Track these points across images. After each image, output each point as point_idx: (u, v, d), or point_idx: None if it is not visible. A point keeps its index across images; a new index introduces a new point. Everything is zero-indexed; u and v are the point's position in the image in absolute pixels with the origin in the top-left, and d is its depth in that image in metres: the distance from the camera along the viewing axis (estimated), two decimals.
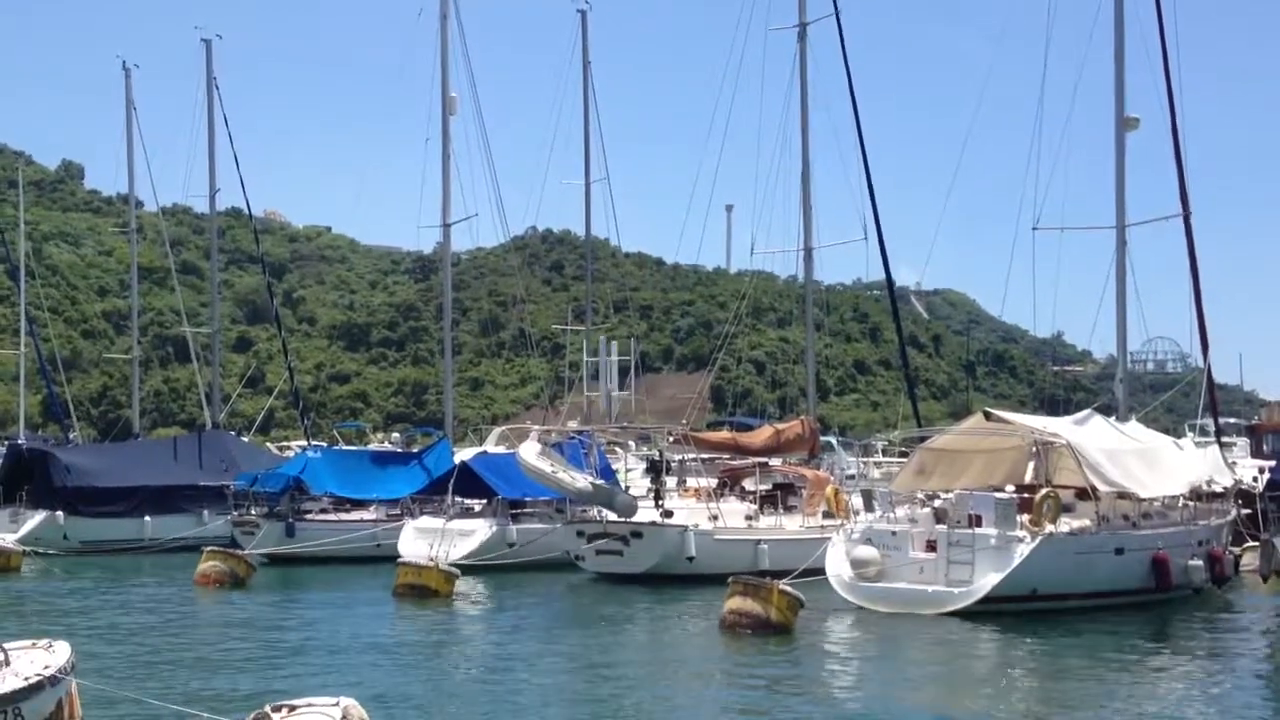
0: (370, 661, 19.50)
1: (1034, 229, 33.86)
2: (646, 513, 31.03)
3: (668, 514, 31.03)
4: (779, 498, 32.92)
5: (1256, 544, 32.11)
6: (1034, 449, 27.60)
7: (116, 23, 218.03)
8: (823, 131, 49.66)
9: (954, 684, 18.64)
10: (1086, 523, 25.18)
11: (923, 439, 30.69)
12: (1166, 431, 42.53)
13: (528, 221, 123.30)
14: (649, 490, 33.02)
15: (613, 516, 30.84)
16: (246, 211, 61.73)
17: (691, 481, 34.34)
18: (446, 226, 45.78)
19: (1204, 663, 20.01)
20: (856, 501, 27.96)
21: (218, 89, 50.65)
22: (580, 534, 31.45)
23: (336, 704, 11.41)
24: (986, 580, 23.51)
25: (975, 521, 24.38)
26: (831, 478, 33.57)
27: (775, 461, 35.70)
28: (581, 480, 30.98)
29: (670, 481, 33.88)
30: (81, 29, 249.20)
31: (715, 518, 31.02)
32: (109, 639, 21.66)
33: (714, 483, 33.77)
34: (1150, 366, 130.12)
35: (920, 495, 26.97)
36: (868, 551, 25.10)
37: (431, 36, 45.43)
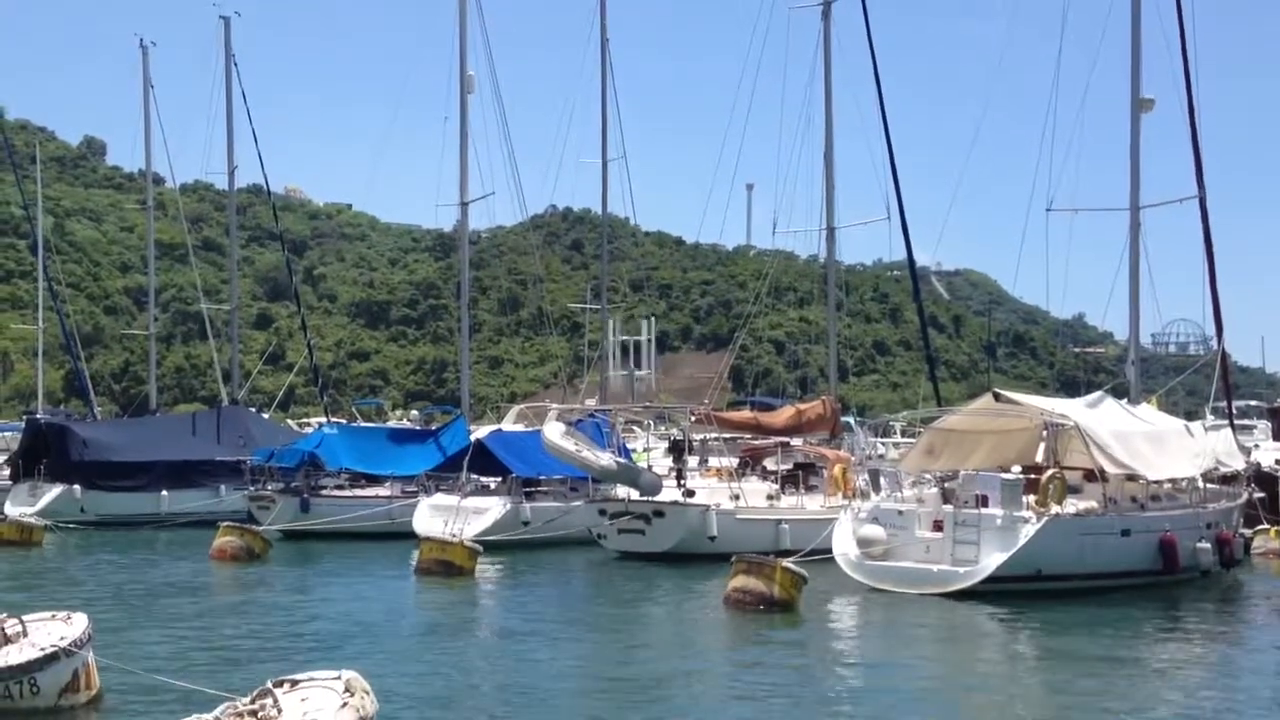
0: (402, 637, 19.74)
1: (1048, 210, 33.73)
2: (669, 492, 31.19)
3: (690, 493, 31.18)
4: (800, 477, 33.02)
5: (1269, 527, 32.17)
6: (1043, 430, 27.66)
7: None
8: (843, 111, 49.55)
9: (954, 662, 18.75)
10: (1093, 504, 25.20)
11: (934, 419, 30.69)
12: (1188, 414, 42.48)
13: (546, 200, 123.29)
14: (670, 469, 33.18)
15: (635, 495, 31.03)
16: (265, 189, 61.91)
17: (713, 461, 34.43)
18: (464, 205, 45.84)
19: (1207, 644, 20.08)
20: (864, 481, 28.05)
21: (236, 66, 50.82)
22: (602, 512, 31.62)
23: (338, 677, 11.55)
24: (991, 560, 23.60)
25: (981, 502, 24.46)
26: (852, 458, 33.59)
27: (796, 441, 35.79)
28: (606, 458, 31.21)
29: (692, 461, 34.06)
30: (102, 6, 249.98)
31: (737, 497, 31.13)
32: (124, 612, 21.92)
33: (735, 462, 33.91)
34: (1172, 349, 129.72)
35: (930, 475, 27.05)
36: (874, 530, 25.24)
37: (450, 13, 45.56)
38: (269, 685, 11.26)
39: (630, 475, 31.33)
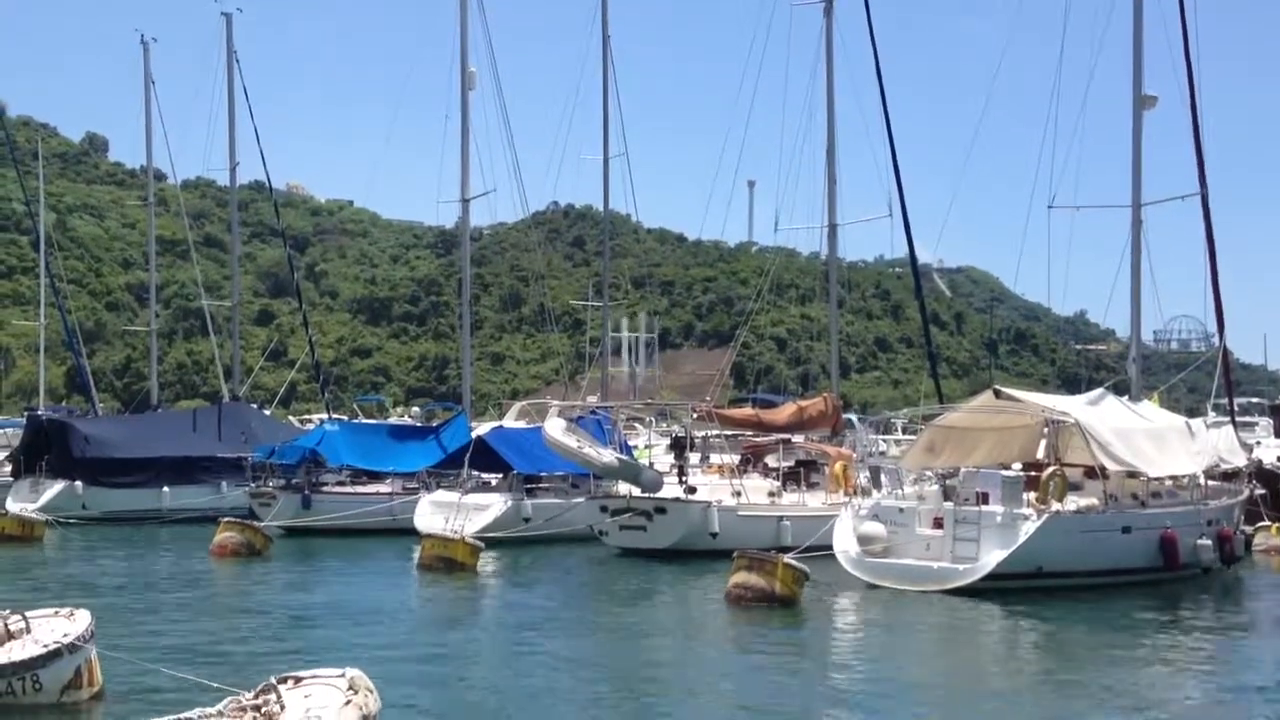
0: (403, 634, 19.76)
1: (1050, 207, 33.73)
2: (670, 489, 31.22)
3: (691, 490, 31.21)
4: (802, 474, 33.05)
5: (1270, 524, 32.20)
6: (1044, 427, 27.65)
7: None
8: (845, 108, 49.52)
9: (954, 659, 18.79)
10: (1094, 501, 25.22)
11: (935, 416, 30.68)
12: (1190, 410, 42.44)
13: (548, 197, 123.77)
14: (672, 466, 33.21)
15: (637, 492, 31.07)
16: (267, 185, 61.96)
17: (715, 458, 34.46)
18: (465, 202, 45.81)
19: (1208, 641, 20.10)
20: (865, 478, 28.09)
21: (238, 62, 50.85)
22: (604, 509, 31.63)
23: (342, 675, 11.54)
24: (992, 557, 23.61)
25: (982, 499, 24.47)
26: (854, 455, 33.62)
27: (798, 438, 35.80)
28: (608, 455, 31.23)
29: (693, 458, 34.07)
30: (104, 2, 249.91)
31: (738, 494, 31.13)
32: (126, 608, 21.94)
33: (737, 459, 33.91)
34: (1174, 346, 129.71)
35: (931, 473, 27.05)
36: (875, 527, 25.26)
37: (451, 10, 45.53)
38: (273, 681, 11.25)
39: (632, 472, 31.36)
